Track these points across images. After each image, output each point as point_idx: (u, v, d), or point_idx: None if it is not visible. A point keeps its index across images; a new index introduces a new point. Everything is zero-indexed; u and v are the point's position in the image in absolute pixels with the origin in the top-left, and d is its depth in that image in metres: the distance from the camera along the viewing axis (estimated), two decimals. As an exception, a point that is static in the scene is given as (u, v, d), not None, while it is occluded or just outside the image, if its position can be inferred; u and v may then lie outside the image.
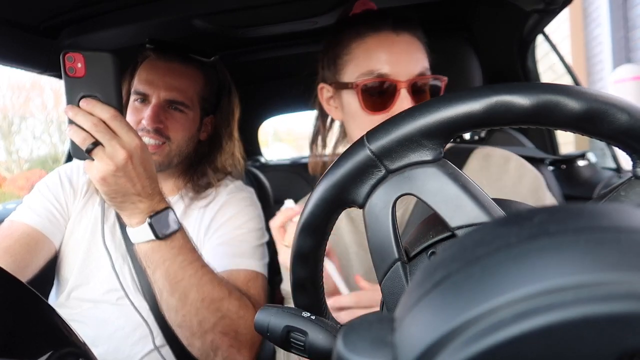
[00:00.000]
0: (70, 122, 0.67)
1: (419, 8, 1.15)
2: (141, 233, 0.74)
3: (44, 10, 0.96)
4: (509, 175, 0.70)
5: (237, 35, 1.10)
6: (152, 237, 0.73)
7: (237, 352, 0.79)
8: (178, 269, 0.75)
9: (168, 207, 0.76)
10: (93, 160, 0.67)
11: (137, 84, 0.96)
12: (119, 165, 0.67)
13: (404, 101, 0.69)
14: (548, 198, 0.70)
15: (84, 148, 0.66)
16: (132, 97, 0.97)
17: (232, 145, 1.08)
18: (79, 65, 0.66)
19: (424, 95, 0.70)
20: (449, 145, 0.80)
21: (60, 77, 1.19)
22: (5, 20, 0.94)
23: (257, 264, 0.92)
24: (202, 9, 0.94)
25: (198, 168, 1.03)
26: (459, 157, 0.74)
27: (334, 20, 1.04)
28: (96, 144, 0.66)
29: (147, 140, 0.92)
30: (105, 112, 0.66)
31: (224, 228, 0.96)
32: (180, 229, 0.77)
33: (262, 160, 2.20)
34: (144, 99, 0.95)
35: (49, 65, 1.09)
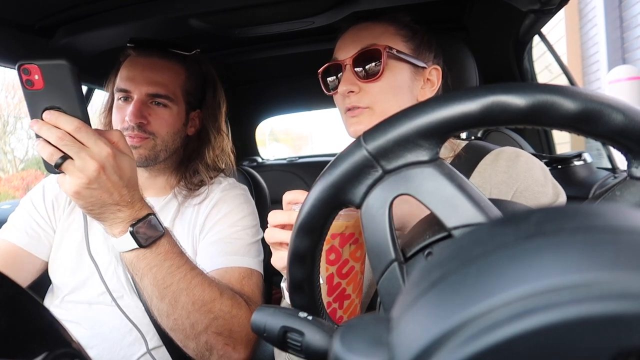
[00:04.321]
0: (38, 136, 0.63)
1: (415, 8, 1.15)
2: (124, 242, 0.71)
3: (39, 9, 0.95)
4: (517, 169, 0.71)
5: (234, 35, 1.10)
6: (136, 245, 0.71)
7: (232, 349, 0.79)
8: (166, 274, 0.74)
9: (150, 214, 0.73)
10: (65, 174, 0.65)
11: (119, 82, 0.95)
12: (91, 178, 0.64)
13: (347, 74, 0.76)
14: (557, 187, 0.72)
15: (52, 163, 0.63)
16: (116, 96, 0.97)
17: (221, 140, 1.07)
18: (36, 77, 0.62)
19: (372, 67, 0.74)
20: (466, 141, 0.81)
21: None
22: (0, 19, 0.94)
23: (252, 262, 0.92)
24: (199, 8, 0.94)
25: (189, 165, 1.02)
26: (478, 154, 0.77)
27: (331, 21, 1.04)
28: (65, 157, 0.63)
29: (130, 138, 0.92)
30: (69, 124, 0.63)
31: (219, 225, 0.96)
32: (165, 234, 0.75)
33: (259, 160, 2.20)
34: (127, 96, 0.94)
35: (44, 64, 1.09)
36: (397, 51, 0.75)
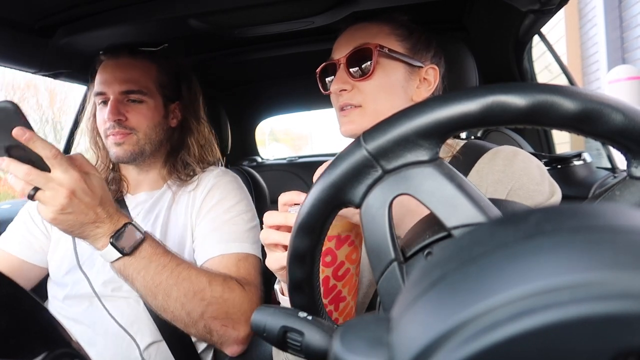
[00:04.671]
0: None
1: (415, 8, 1.15)
2: (109, 253, 0.77)
3: (39, 9, 0.95)
4: (514, 168, 0.70)
5: (234, 35, 1.10)
6: (120, 255, 0.77)
7: (231, 329, 0.85)
8: (154, 274, 0.79)
9: (128, 223, 0.79)
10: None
11: (96, 87, 1.00)
12: (63, 204, 0.69)
13: (340, 73, 0.77)
14: (554, 185, 0.71)
15: (25, 195, 0.68)
16: (96, 101, 1.01)
17: (203, 129, 1.10)
18: None
19: (365, 66, 0.75)
20: (464, 141, 0.81)
21: (55, 76, 1.18)
22: (0, 19, 0.94)
23: (249, 247, 0.96)
24: (198, 8, 0.94)
25: (177, 156, 1.06)
26: (476, 153, 0.76)
27: (331, 21, 1.04)
28: (36, 188, 0.68)
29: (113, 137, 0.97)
30: (47, 151, 0.68)
31: (214, 211, 0.98)
32: (146, 238, 0.80)
33: (259, 159, 2.20)
34: (104, 99, 0.99)
35: (43, 64, 1.09)
36: (390, 50, 0.75)
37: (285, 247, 0.58)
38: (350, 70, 0.76)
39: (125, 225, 0.77)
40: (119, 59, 1.01)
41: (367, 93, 0.75)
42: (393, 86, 0.75)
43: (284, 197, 0.60)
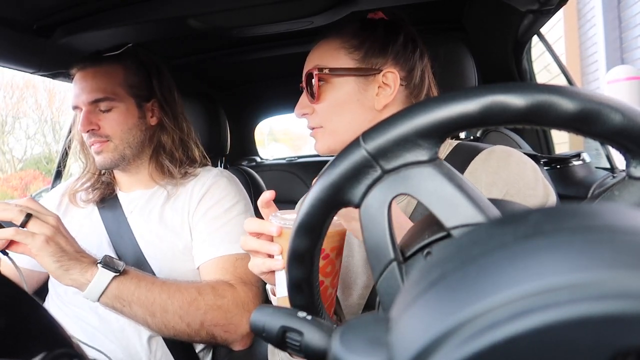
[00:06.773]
0: None
1: (414, 8, 1.16)
2: (101, 279, 0.79)
3: (38, 8, 0.95)
4: (509, 171, 0.70)
5: (233, 35, 1.10)
6: (113, 274, 0.80)
7: (234, 332, 0.88)
8: (147, 292, 0.82)
9: (104, 255, 0.82)
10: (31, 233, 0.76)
11: (72, 101, 1.02)
12: (55, 225, 0.78)
13: (302, 98, 0.79)
14: (548, 187, 0.70)
15: (18, 223, 0.76)
16: (75, 114, 1.04)
17: (182, 124, 1.09)
18: None
19: (314, 89, 0.76)
20: (456, 142, 0.81)
21: (54, 76, 1.18)
22: (-1, 19, 0.94)
23: None
24: (198, 8, 0.94)
25: (163, 152, 1.05)
26: (468, 154, 0.75)
27: (330, 20, 1.04)
28: (29, 215, 0.76)
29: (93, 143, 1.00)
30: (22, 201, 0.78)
31: (213, 212, 0.99)
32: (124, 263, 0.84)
33: (258, 159, 2.20)
34: (79, 112, 1.00)
35: (42, 64, 1.09)
36: (331, 69, 0.75)
37: (265, 254, 0.58)
38: (309, 93, 0.77)
39: (104, 256, 0.82)
40: (85, 69, 1.01)
41: (323, 115, 0.76)
42: (344, 102, 0.75)
43: (260, 200, 0.61)
